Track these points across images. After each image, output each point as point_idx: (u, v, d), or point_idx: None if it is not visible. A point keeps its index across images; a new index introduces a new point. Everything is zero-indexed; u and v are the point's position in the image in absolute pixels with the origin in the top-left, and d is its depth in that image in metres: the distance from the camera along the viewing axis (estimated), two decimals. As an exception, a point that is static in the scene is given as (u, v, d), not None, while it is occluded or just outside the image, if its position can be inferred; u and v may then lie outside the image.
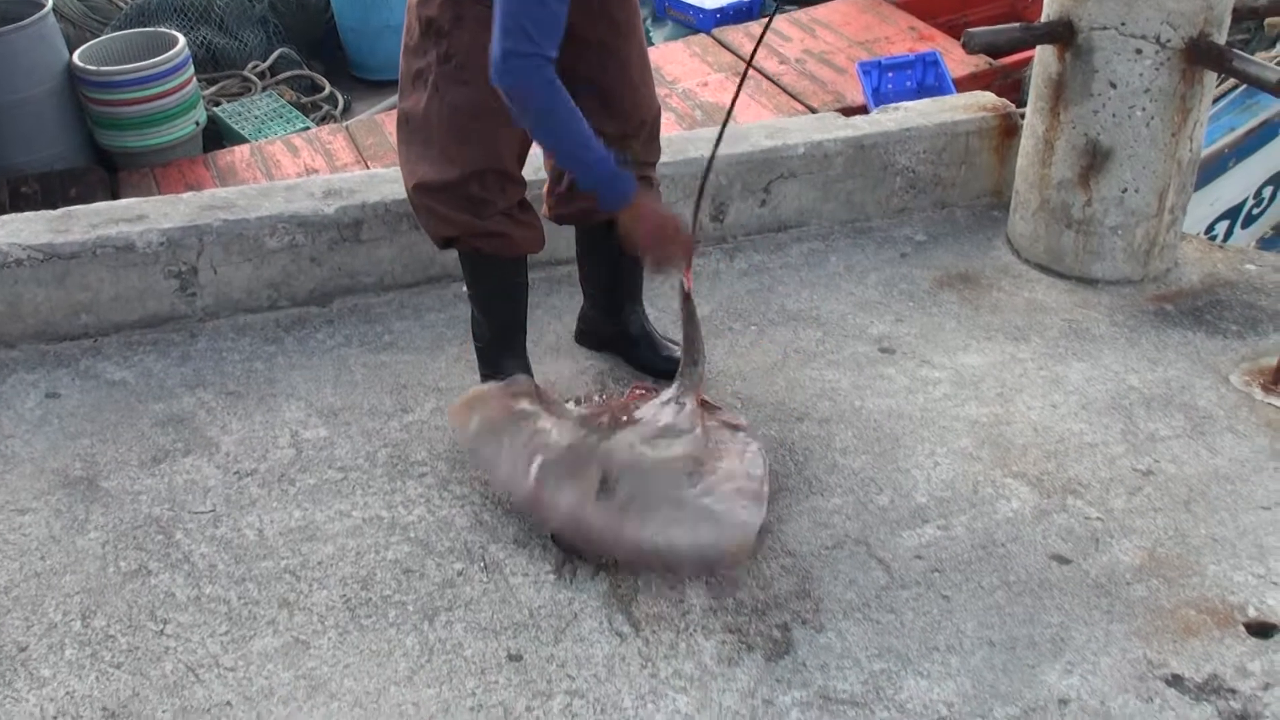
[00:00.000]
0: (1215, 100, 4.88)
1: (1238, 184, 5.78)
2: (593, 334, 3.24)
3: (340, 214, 3.39)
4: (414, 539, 2.64)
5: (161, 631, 2.42)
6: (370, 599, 2.49)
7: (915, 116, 3.89)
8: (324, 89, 6.95)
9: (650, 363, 3.12)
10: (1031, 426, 2.97)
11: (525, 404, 2.75)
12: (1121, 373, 3.16)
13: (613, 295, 3.14)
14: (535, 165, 3.01)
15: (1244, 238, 5.92)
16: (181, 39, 6.00)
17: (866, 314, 3.41)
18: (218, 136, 6.30)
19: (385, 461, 2.87)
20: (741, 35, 6.56)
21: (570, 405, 2.88)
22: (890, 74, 5.92)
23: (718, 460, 2.70)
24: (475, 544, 2.62)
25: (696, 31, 6.94)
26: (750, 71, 3.01)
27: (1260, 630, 2.41)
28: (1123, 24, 3.25)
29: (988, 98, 4.03)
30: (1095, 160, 3.43)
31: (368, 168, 5.39)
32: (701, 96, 5.90)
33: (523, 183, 2.80)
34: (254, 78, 6.80)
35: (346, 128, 5.95)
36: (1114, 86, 3.32)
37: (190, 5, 6.78)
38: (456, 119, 2.65)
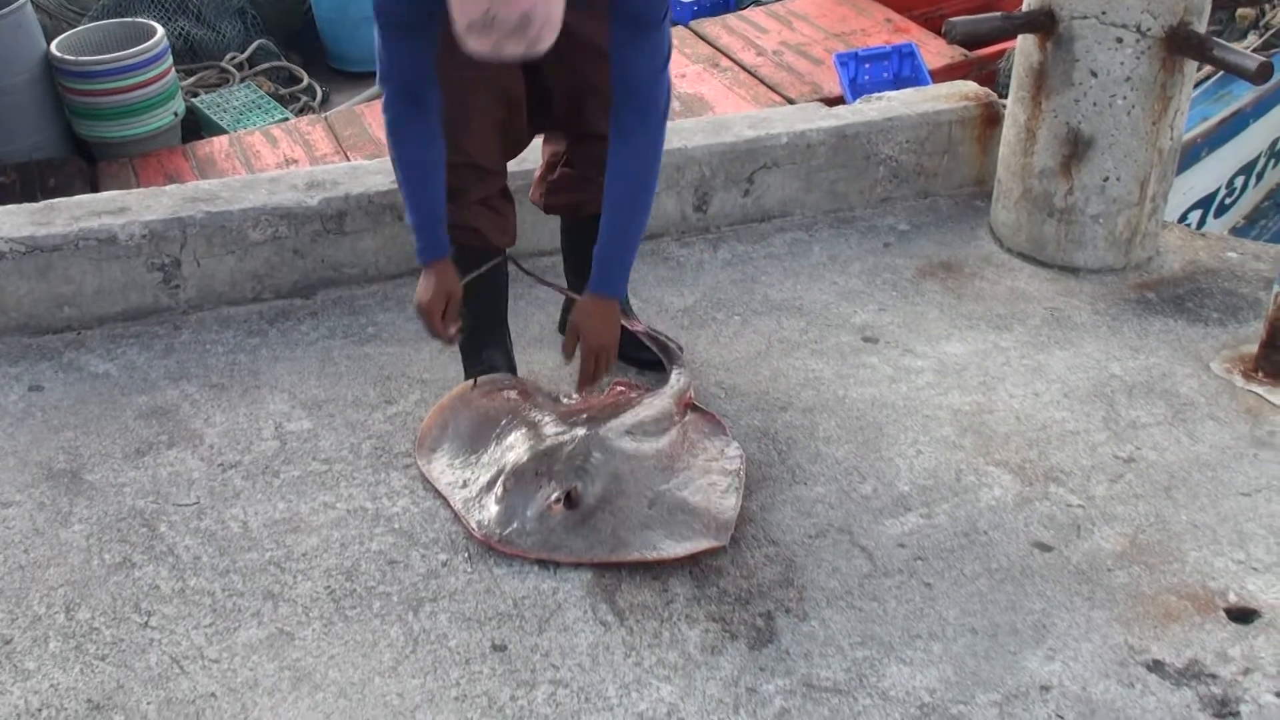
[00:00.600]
0: (1192, 89, 4.91)
1: (1211, 173, 5.82)
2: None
3: (324, 206, 3.38)
4: (398, 530, 2.64)
5: (146, 624, 2.41)
6: (355, 590, 2.49)
7: (898, 106, 3.90)
8: (302, 80, 6.92)
9: (633, 354, 3.12)
10: (1014, 415, 2.98)
11: (492, 412, 2.79)
12: (1103, 361, 3.18)
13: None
14: (524, 157, 3.00)
15: (1216, 227, 5.97)
16: (160, 29, 5.97)
17: (850, 303, 3.42)
18: (196, 127, 6.27)
19: (369, 453, 2.87)
20: (719, 27, 6.59)
21: (552, 400, 2.88)
22: (867, 65, 5.97)
23: (693, 457, 2.71)
24: (459, 535, 2.62)
25: (674, 24, 6.93)
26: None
27: (1240, 616, 2.42)
28: (1103, 13, 3.26)
29: (970, 87, 4.04)
30: (1077, 149, 3.44)
31: (348, 158, 5.38)
32: (679, 88, 5.91)
33: (501, 173, 2.80)
34: (232, 69, 6.77)
35: (326, 118, 5.92)
36: (1095, 75, 3.33)
37: (168, -4, 6.76)
38: None
